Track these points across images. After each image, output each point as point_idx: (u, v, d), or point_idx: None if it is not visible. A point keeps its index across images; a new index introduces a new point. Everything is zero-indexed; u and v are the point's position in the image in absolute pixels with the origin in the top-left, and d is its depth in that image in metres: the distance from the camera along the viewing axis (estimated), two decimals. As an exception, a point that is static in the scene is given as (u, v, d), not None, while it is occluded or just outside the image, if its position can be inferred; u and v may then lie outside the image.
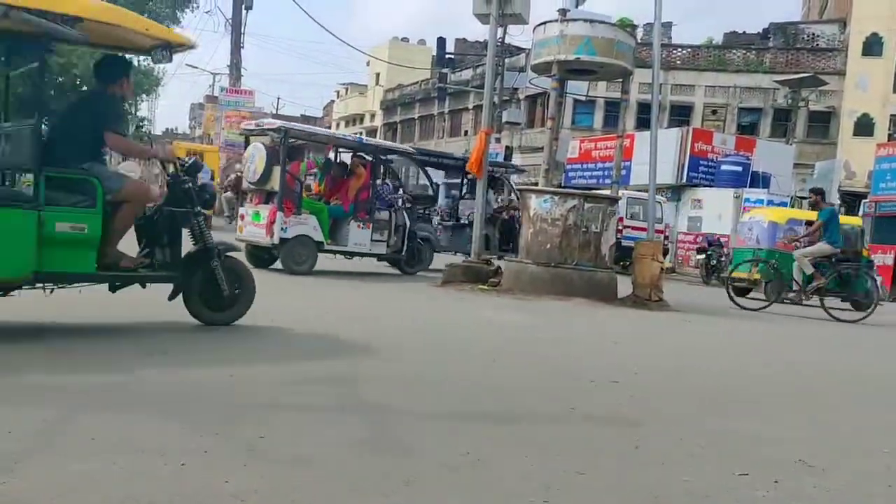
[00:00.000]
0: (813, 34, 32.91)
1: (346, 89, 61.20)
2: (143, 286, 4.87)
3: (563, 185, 23.73)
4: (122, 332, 4.89)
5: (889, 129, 29.15)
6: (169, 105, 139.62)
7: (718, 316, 9.65)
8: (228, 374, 3.82)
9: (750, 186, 20.00)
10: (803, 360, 6.55)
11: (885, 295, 11.61)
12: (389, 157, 12.57)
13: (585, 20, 9.85)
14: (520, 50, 32.06)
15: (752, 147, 22.76)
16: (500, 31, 15.01)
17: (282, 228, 9.25)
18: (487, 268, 9.88)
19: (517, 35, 33.50)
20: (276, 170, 9.41)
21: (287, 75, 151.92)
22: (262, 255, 9.84)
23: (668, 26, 34.98)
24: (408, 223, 10.77)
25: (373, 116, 54.54)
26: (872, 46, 29.54)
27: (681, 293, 12.08)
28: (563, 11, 9.98)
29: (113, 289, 4.80)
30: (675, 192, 21.57)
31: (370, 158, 10.82)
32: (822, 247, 10.48)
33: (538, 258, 9.26)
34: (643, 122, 27.43)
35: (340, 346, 4.96)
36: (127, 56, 5.00)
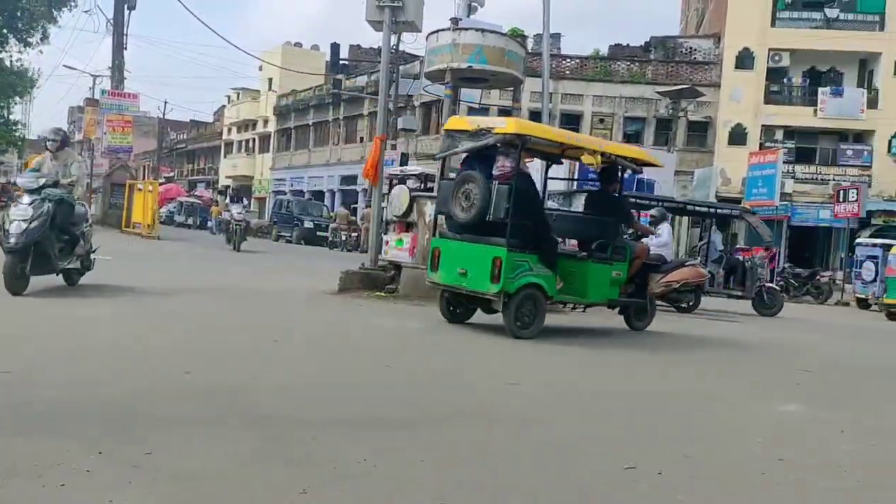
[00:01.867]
0: (690, 48, 34.73)
1: (238, 94, 59.59)
2: (612, 308, 8.14)
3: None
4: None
5: (760, 139, 31.13)
6: (46, 108, 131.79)
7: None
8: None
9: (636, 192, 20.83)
10: (696, 359, 6.89)
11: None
12: None
13: (477, 29, 10.03)
14: (414, 57, 32.22)
15: (637, 154, 23.73)
16: (393, 38, 15.03)
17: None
18: (384, 275, 9.87)
19: (411, 42, 33.72)
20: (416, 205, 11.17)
21: (175, 79, 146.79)
22: None
23: (557, 37, 36.08)
24: None
25: (266, 122, 53.35)
26: (744, 60, 31.49)
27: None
28: (455, 20, 10.13)
29: (612, 307, 8.05)
30: (567, 198, 22.20)
31: None
32: None
33: (434, 264, 9.33)
34: (535, 130, 28.08)
35: (227, 355, 4.83)
36: (619, 167, 7.74)
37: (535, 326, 6.76)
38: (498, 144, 6.76)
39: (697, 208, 14.45)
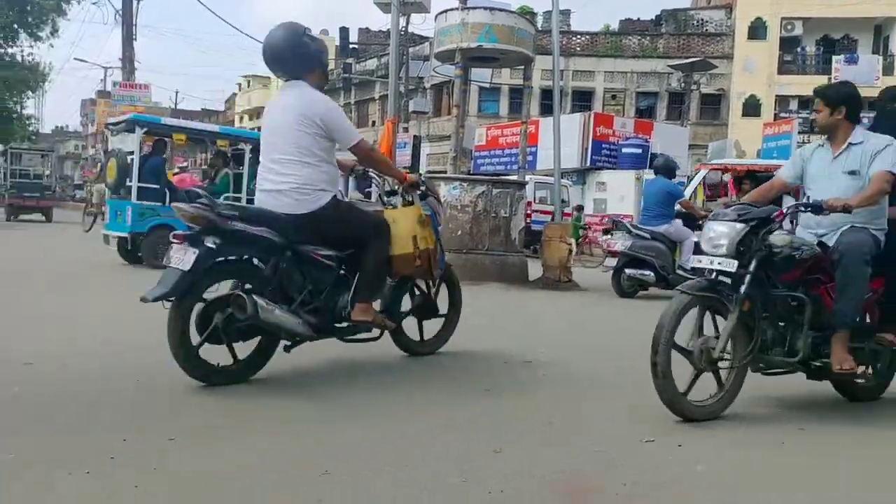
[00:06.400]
0: (702, 20, 34.32)
1: (248, 82, 59.58)
2: None
3: (471, 172, 23.95)
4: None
5: (775, 109, 30.80)
6: (58, 101, 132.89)
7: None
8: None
9: (649, 167, 20.70)
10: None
11: None
12: None
13: (485, 8, 9.97)
14: (423, 38, 32.06)
15: (650, 130, 23.54)
16: (402, 19, 14.96)
17: None
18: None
19: (420, 24, 33.53)
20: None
21: (185, 68, 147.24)
22: None
23: (566, 14, 35.75)
24: None
25: (277, 109, 53.37)
26: (757, 30, 31.10)
27: (589, 273, 12.43)
28: (463, 0, 10.06)
29: None
30: (581, 175, 22.12)
31: None
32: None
33: (449, 245, 9.31)
34: (547, 108, 27.99)
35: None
36: None
37: None
38: None
39: None
